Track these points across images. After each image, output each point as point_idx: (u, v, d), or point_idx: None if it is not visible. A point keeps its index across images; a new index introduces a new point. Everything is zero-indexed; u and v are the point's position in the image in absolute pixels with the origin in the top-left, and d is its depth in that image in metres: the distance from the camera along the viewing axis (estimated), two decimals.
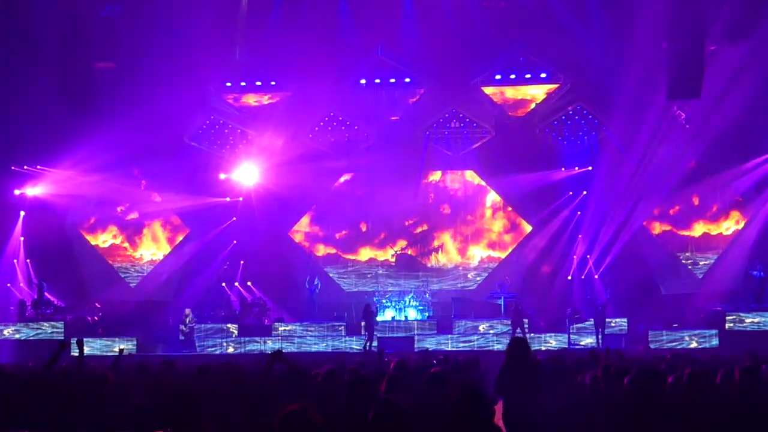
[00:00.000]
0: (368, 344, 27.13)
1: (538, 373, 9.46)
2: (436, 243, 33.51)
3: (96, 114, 28.21)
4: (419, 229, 33.62)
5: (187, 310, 28.61)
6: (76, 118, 27.69)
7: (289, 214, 33.01)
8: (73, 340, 11.70)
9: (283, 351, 10.82)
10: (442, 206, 33.69)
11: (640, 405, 7.83)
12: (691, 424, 7.35)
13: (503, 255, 33.11)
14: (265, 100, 32.45)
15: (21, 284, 30.95)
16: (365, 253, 33.60)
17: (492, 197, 33.36)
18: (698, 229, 31.91)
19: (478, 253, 33.36)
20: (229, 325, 29.37)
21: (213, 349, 28.23)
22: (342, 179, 33.59)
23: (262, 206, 32.39)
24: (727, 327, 27.30)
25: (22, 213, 31.35)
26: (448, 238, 33.47)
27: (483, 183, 33.33)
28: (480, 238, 33.41)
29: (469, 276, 33.16)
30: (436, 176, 33.84)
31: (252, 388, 8.72)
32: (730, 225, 31.49)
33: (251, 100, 32.63)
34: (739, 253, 30.28)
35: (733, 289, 29.26)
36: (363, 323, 27.97)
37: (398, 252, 33.43)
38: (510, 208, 33.09)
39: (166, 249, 33.55)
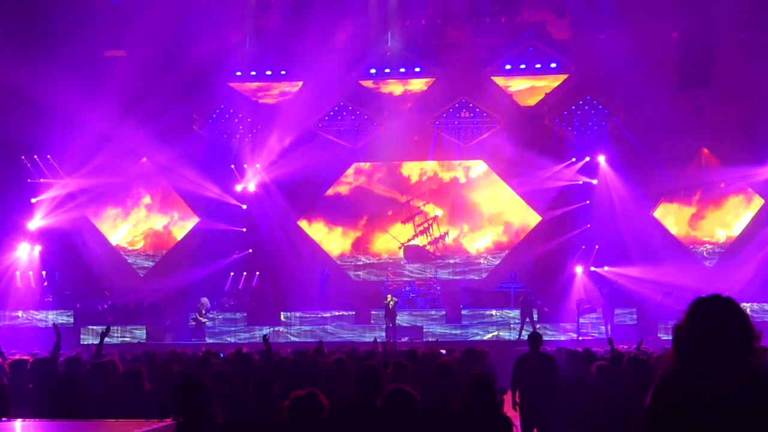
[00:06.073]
0: (382, 338, 26.89)
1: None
2: (444, 233, 33.39)
3: (106, 102, 28.25)
4: (428, 219, 33.50)
5: (204, 299, 28.41)
6: (87, 107, 27.68)
7: (298, 203, 32.94)
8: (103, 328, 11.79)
9: (270, 339, 10.86)
10: (451, 196, 33.57)
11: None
12: None
13: (512, 245, 33.00)
14: (275, 89, 32.39)
15: (30, 272, 30.98)
16: (374, 243, 33.52)
17: (501, 187, 33.21)
18: (708, 221, 31.89)
19: (487, 243, 33.28)
20: (237, 314, 29.42)
21: (224, 337, 28.20)
22: (351, 168, 33.53)
23: (271, 195, 32.36)
24: None
25: (34, 200, 31.40)
26: (456, 228, 33.38)
27: (492, 173, 33.20)
28: (489, 228, 33.31)
29: (478, 266, 33.07)
30: (445, 166, 33.73)
31: (260, 374, 8.72)
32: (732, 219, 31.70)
33: (262, 89, 32.59)
34: (750, 246, 30.19)
35: (743, 281, 29.15)
36: (385, 320, 27.63)
37: (406, 243, 33.30)
38: (519, 198, 32.94)
39: (176, 238, 33.56)
